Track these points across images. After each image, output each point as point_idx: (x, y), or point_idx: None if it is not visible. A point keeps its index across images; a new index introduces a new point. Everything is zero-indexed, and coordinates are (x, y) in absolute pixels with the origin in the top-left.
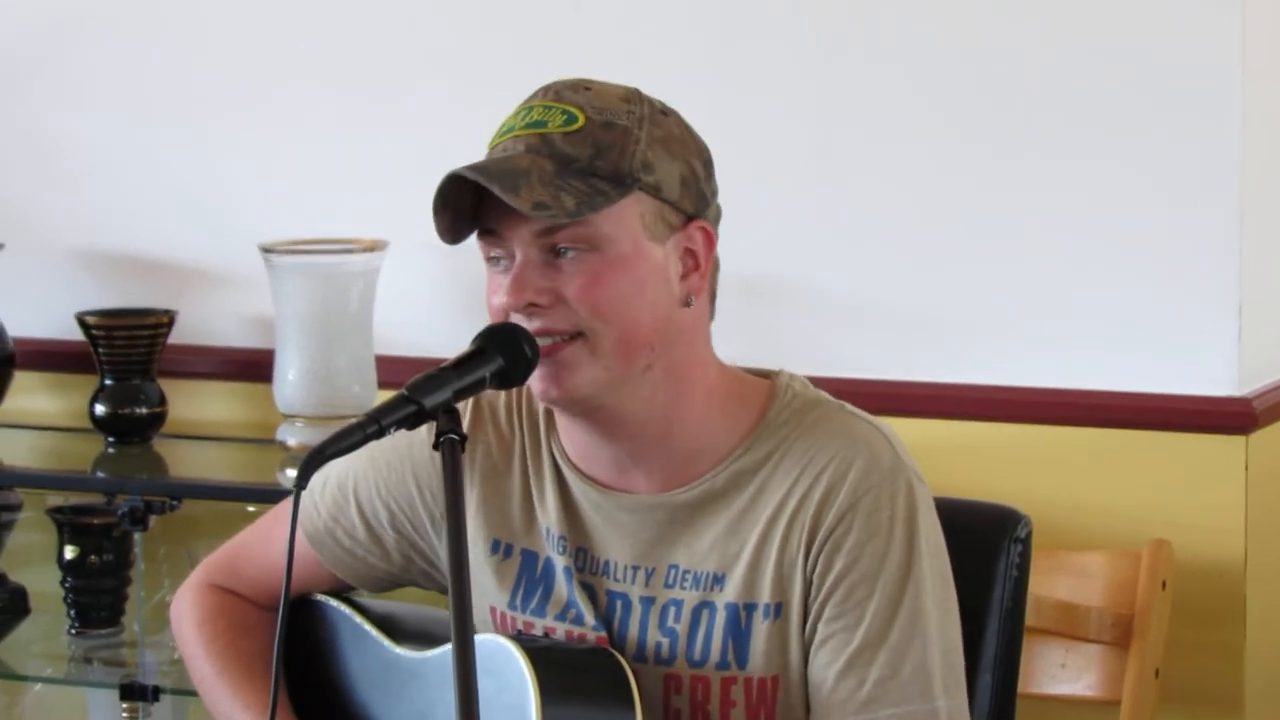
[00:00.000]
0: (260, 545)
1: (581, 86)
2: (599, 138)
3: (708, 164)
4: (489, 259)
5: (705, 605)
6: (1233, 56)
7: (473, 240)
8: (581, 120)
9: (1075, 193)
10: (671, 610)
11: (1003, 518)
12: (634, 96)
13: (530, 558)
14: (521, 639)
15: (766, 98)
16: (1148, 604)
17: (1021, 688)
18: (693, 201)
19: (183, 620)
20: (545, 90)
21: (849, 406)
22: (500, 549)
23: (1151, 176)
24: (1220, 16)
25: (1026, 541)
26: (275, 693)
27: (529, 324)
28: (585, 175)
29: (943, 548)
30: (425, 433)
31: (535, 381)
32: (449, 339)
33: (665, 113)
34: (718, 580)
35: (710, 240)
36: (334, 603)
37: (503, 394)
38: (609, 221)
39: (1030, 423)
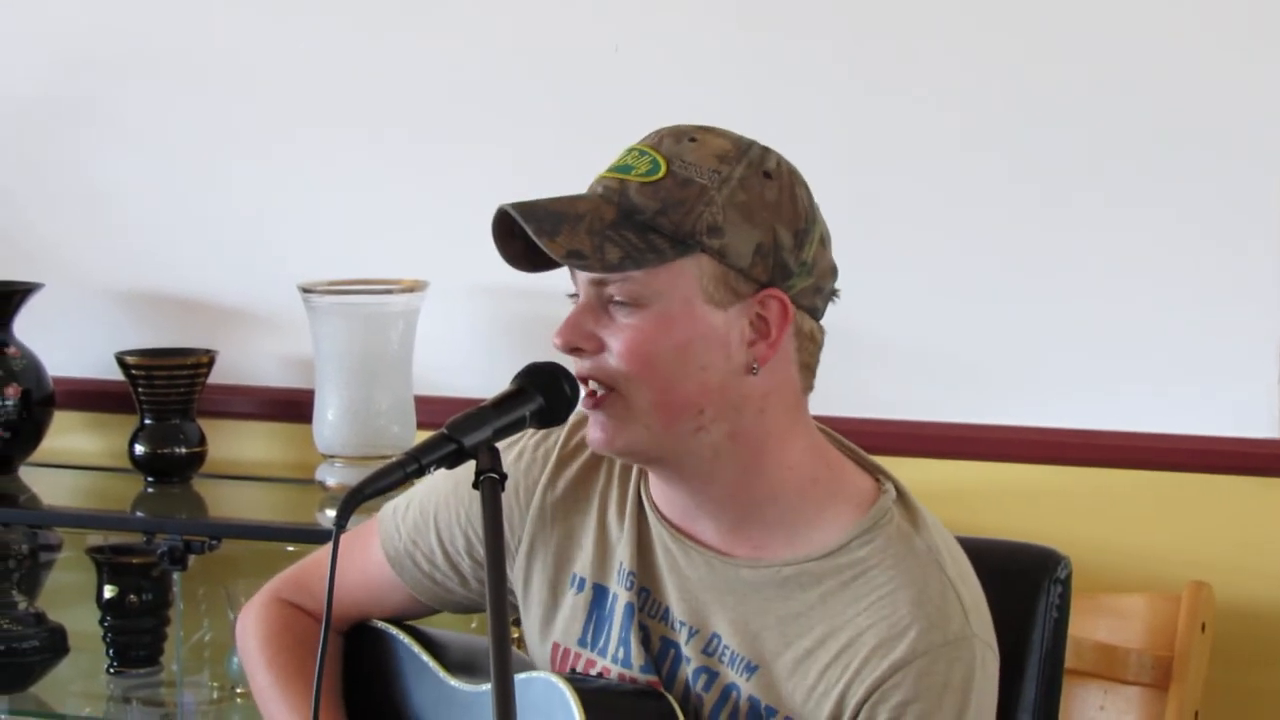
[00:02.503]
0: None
1: (689, 135)
2: (671, 193)
3: (801, 233)
4: (570, 295)
5: (734, 687)
6: (1274, 102)
7: (512, 281)
8: (662, 172)
9: (1115, 235)
10: (703, 677)
11: (1043, 559)
12: (735, 155)
13: (601, 592)
14: (574, 679)
15: (804, 140)
16: (1187, 646)
17: None
18: (768, 270)
19: (248, 632)
20: (657, 132)
21: (942, 551)
22: (575, 582)
23: (1192, 219)
24: (1261, 62)
25: (1066, 583)
26: (317, 706)
27: (575, 366)
28: (644, 230)
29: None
30: (511, 465)
31: (589, 429)
32: (488, 379)
33: (770, 175)
34: (750, 669)
35: (785, 311)
36: (394, 631)
37: None
38: (661, 279)
39: (1069, 465)
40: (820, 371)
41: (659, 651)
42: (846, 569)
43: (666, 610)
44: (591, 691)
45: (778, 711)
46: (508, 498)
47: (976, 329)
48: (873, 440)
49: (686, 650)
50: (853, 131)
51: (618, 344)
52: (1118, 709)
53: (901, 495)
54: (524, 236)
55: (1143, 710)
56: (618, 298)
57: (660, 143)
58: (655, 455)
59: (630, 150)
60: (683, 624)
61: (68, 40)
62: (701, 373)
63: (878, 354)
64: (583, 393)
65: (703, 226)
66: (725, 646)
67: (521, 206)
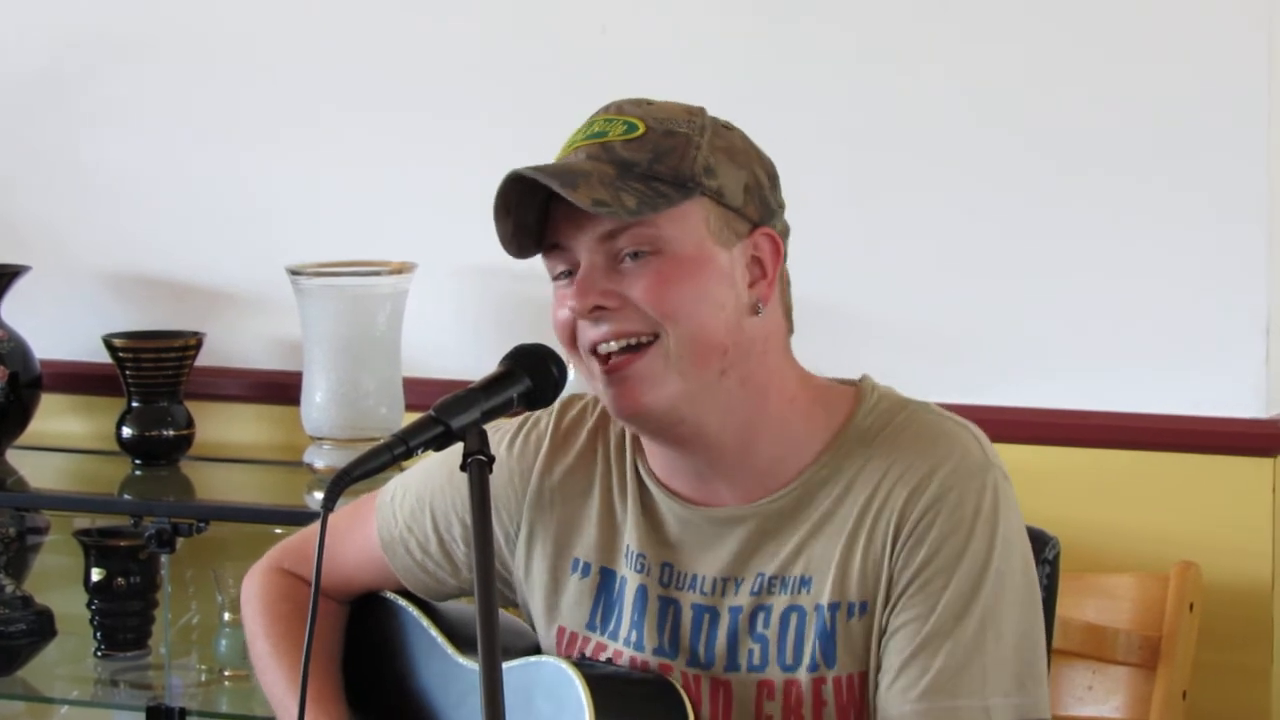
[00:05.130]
0: (334, 539)
1: (644, 102)
2: (659, 144)
3: (773, 176)
4: (555, 277)
5: (794, 609)
6: (1259, 82)
7: (500, 263)
8: (642, 129)
9: (1104, 216)
10: (760, 616)
11: (1031, 538)
12: (697, 111)
13: (609, 576)
14: (581, 664)
15: (800, 117)
16: (1175, 626)
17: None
18: (758, 210)
19: (250, 600)
20: (608, 107)
21: (935, 406)
22: (579, 567)
23: (1181, 199)
24: (1248, 44)
25: (1055, 563)
26: (304, 680)
27: (596, 330)
28: (646, 179)
29: (1026, 545)
30: (504, 452)
31: (611, 400)
32: (476, 361)
33: (728, 128)
34: (805, 583)
35: (777, 248)
36: (403, 603)
37: (589, 417)
38: (671, 223)
39: (1057, 445)
40: (810, 348)
41: (693, 620)
42: (860, 453)
43: (695, 578)
44: (598, 676)
45: (841, 604)
46: (503, 485)
47: (965, 308)
48: None
49: (735, 601)
50: (848, 110)
51: (642, 291)
52: (1106, 689)
53: (877, 382)
54: (516, 218)
55: (1131, 690)
56: (630, 249)
57: (621, 109)
58: (682, 413)
59: (591, 123)
60: (724, 580)
61: (58, 21)
62: (721, 312)
63: (867, 332)
64: (596, 369)
65: (699, 168)
66: (773, 579)
67: (534, 169)
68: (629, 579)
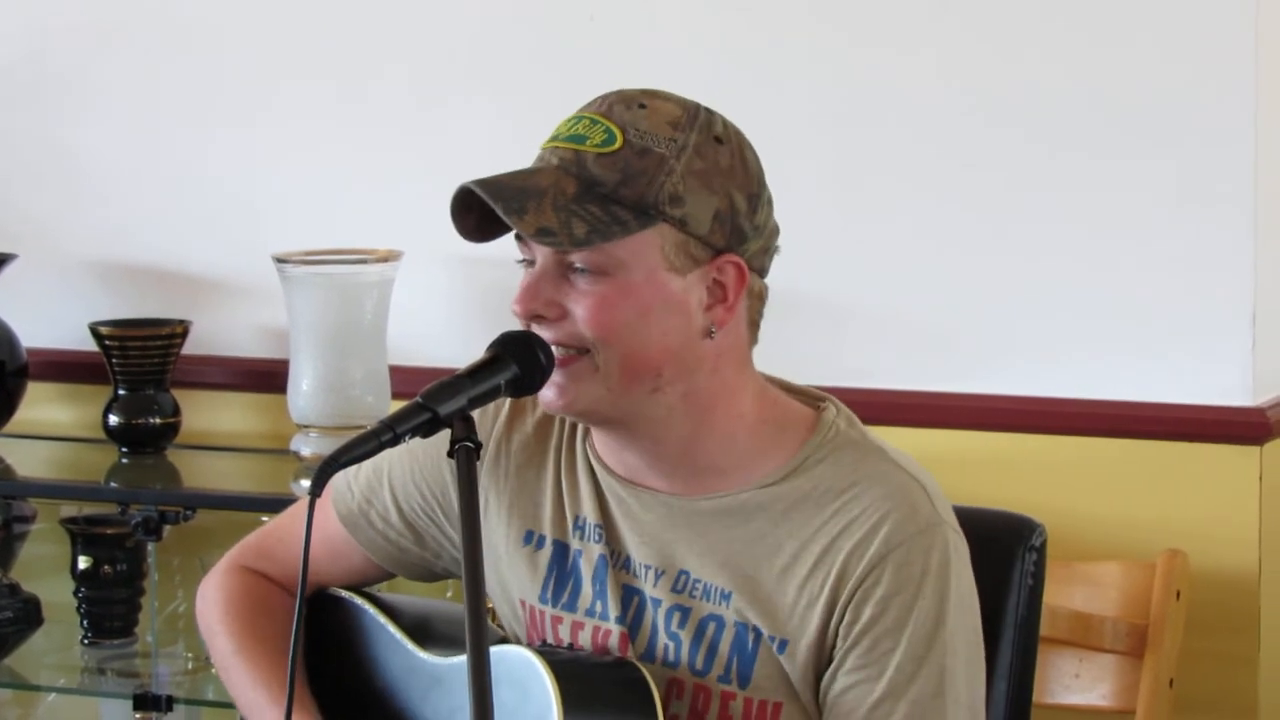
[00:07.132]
0: (294, 527)
1: (638, 102)
2: (631, 164)
3: (754, 197)
4: (520, 260)
5: (713, 618)
6: (1246, 68)
7: (487, 250)
8: (619, 143)
9: (1091, 204)
10: (677, 615)
11: (1018, 526)
12: (686, 122)
13: (560, 549)
14: (545, 651)
15: (783, 107)
16: (1162, 614)
17: (1035, 698)
18: (725, 236)
19: (208, 601)
20: (604, 99)
21: (891, 452)
22: (534, 540)
23: (1167, 187)
24: (1234, 30)
25: (1041, 550)
26: (292, 676)
27: (538, 329)
28: (606, 201)
29: (974, 604)
30: None
31: (544, 390)
32: (463, 349)
33: (721, 140)
34: (725, 596)
35: (742, 275)
36: (359, 601)
37: None
38: (625, 249)
39: (1044, 433)
40: (790, 339)
41: (623, 599)
42: (805, 485)
43: (627, 559)
44: (562, 662)
45: (763, 632)
46: None
47: (951, 297)
48: None
49: (655, 593)
50: (832, 101)
51: (583, 311)
52: (1092, 677)
53: (841, 411)
54: (481, 210)
55: (1117, 678)
56: (579, 265)
57: (610, 110)
58: (610, 416)
59: (580, 119)
60: (647, 567)
61: (40, 9)
62: (663, 338)
63: (848, 322)
64: None
65: (665, 196)
66: (696, 580)
67: (485, 184)
68: (584, 550)
